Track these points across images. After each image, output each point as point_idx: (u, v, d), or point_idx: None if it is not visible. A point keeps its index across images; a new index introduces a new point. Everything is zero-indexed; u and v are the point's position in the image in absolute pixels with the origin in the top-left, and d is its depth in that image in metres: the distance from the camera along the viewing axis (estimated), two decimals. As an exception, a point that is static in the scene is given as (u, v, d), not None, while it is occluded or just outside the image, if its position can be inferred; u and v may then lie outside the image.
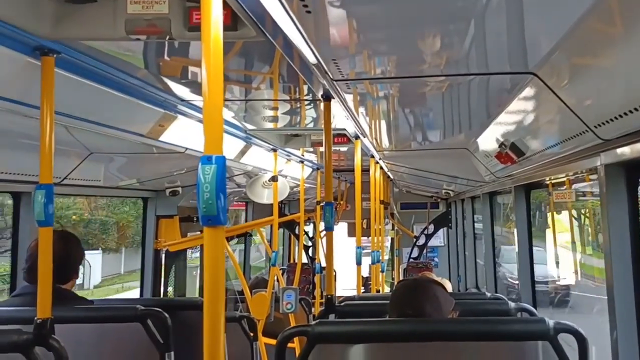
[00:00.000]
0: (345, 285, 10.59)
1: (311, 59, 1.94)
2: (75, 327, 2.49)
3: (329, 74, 2.17)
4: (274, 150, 5.16)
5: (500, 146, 3.45)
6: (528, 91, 2.34)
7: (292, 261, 10.53)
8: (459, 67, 2.17)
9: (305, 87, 2.98)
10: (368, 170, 5.56)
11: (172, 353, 2.56)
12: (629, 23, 1.51)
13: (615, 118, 1.98)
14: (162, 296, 5.32)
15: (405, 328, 2.16)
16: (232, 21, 1.75)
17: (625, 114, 1.89)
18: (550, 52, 1.84)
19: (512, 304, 2.92)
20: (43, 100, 2.05)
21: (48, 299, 2.04)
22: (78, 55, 2.20)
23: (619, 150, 2.31)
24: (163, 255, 5.33)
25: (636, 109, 1.80)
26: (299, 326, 2.16)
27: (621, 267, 2.49)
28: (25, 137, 2.72)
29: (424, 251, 9.96)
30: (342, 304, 3.04)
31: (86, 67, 2.29)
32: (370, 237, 6.31)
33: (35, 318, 2.02)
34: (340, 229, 11.33)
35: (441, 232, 10.14)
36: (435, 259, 10.18)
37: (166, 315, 2.58)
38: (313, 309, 5.82)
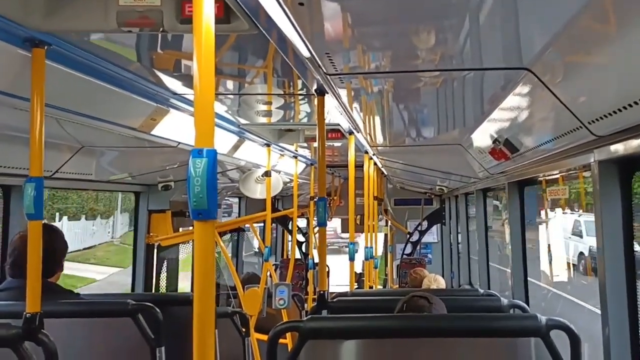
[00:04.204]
0: (340, 282, 10.58)
1: (304, 52, 1.92)
2: (65, 322, 2.47)
3: (323, 68, 2.15)
4: (268, 145, 5.15)
5: (494, 142, 3.44)
6: (522, 87, 2.33)
7: (285, 257, 10.51)
8: (453, 62, 2.16)
9: (299, 82, 2.96)
10: (362, 166, 5.54)
11: (163, 348, 2.55)
12: (623, 19, 1.50)
13: (609, 114, 1.97)
14: (154, 291, 5.31)
15: (397, 324, 2.16)
16: (225, 14, 1.74)
17: (619, 110, 1.88)
18: (544, 47, 1.83)
19: (504, 301, 2.92)
20: (33, 92, 2.02)
21: (37, 293, 2.02)
22: (69, 47, 2.17)
23: (613, 147, 2.31)
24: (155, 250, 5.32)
25: (630, 105, 1.79)
26: (291, 322, 2.15)
27: (614, 264, 2.49)
28: (16, 130, 2.70)
29: (418, 247, 9.97)
30: (334, 300, 3.03)
31: (78, 60, 2.27)
32: (363, 233, 6.31)
33: (25, 312, 2.01)
34: (334, 224, 11.29)
35: (435, 229, 10.15)
36: (429, 255, 10.18)
37: (157, 310, 2.57)
38: (306, 305, 5.82)
